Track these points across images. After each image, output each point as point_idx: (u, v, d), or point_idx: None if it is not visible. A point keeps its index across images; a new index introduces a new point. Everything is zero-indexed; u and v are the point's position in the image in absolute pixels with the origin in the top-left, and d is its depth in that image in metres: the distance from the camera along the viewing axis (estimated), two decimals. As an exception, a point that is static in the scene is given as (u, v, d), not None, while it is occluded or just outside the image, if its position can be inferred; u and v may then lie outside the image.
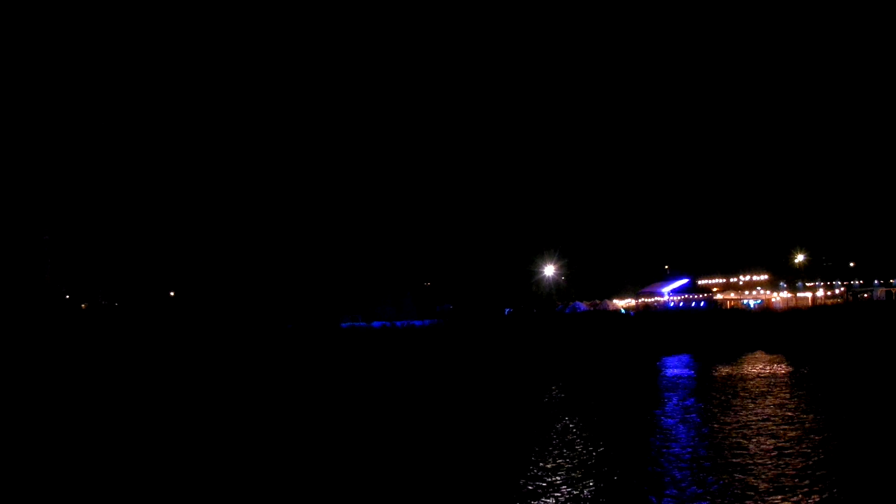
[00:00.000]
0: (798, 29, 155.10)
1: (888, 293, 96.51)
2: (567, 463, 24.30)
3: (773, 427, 29.01)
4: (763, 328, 72.62)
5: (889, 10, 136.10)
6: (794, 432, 27.88)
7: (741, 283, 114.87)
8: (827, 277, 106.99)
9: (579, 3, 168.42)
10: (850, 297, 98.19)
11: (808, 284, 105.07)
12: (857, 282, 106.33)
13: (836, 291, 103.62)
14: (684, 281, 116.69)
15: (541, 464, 24.25)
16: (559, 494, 20.73)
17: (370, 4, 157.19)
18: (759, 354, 60.81)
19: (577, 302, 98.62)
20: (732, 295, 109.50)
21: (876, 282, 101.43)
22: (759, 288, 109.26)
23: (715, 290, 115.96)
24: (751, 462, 23.41)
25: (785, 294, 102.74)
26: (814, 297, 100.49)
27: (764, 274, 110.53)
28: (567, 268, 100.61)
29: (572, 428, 30.50)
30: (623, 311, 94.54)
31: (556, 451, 26.04)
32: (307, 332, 66.55)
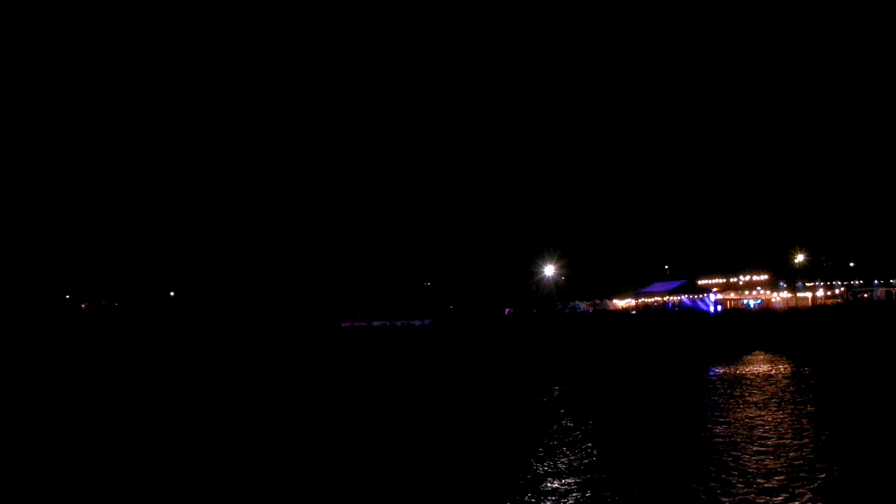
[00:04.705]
0: (798, 29, 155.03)
1: (888, 293, 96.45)
2: (567, 462, 24.29)
3: (775, 427, 29.00)
4: (763, 328, 72.60)
5: (889, 10, 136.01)
6: (798, 433, 27.86)
7: (741, 283, 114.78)
8: (827, 277, 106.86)
9: (579, 4, 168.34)
10: (850, 297, 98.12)
11: (808, 284, 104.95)
12: (857, 282, 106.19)
13: (836, 291, 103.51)
14: (684, 281, 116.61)
15: (541, 462, 24.26)
16: (559, 492, 20.74)
17: (370, 4, 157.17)
18: (759, 355, 60.79)
19: (577, 302, 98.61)
20: (732, 295, 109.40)
21: (876, 282, 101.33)
22: (759, 288, 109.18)
23: (715, 290, 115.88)
24: (750, 460, 23.42)
25: (785, 294, 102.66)
26: (814, 297, 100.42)
27: (764, 274, 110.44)
28: (567, 268, 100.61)
29: (573, 428, 30.49)
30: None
31: (556, 451, 26.03)
32: (307, 332, 66.57)
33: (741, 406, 34.41)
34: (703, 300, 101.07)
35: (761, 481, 21.12)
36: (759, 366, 52.39)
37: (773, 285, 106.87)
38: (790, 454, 24.30)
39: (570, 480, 22.07)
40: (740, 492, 20.19)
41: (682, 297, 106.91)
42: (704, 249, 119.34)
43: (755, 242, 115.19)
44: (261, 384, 46.31)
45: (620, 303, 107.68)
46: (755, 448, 25.35)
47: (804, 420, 30.43)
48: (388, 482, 22.64)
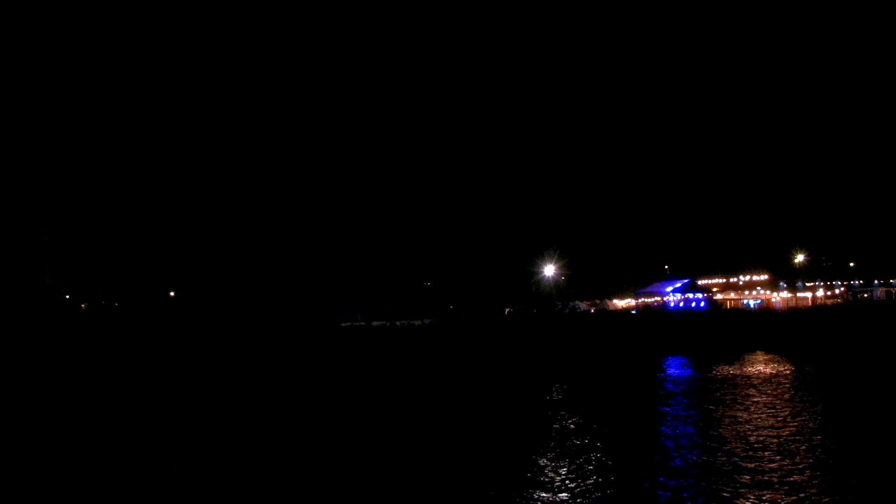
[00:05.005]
0: (798, 29, 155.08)
1: (888, 293, 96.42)
2: (570, 463, 24.25)
3: (773, 429, 28.96)
4: (763, 328, 72.53)
5: (889, 11, 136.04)
6: (803, 433, 27.82)
7: (741, 283, 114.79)
8: (827, 277, 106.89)
9: (579, 4, 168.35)
10: (850, 297, 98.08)
11: (808, 284, 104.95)
12: (857, 282, 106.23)
13: (836, 291, 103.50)
14: (684, 281, 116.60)
15: (543, 463, 24.22)
16: (560, 490, 20.70)
17: (371, 5, 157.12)
18: (759, 355, 60.74)
19: (577, 302, 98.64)
20: (732, 295, 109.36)
21: (876, 282, 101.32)
22: (759, 288, 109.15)
23: (715, 290, 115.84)
24: (757, 461, 23.37)
25: (785, 294, 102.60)
26: (814, 297, 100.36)
27: (764, 274, 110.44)
28: (567, 268, 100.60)
29: (574, 427, 30.45)
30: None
31: (558, 451, 25.99)
32: (307, 332, 66.56)
33: (744, 406, 34.35)
34: (698, 300, 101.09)
35: (769, 482, 21.08)
36: (760, 366, 52.36)
37: (773, 285, 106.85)
38: (798, 455, 24.26)
39: (573, 482, 22.02)
40: (750, 493, 20.15)
41: (682, 296, 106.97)
42: (704, 249, 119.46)
43: (755, 242, 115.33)
44: (261, 384, 46.29)
45: (620, 303, 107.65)
46: (761, 449, 25.30)
47: (809, 420, 30.37)
48: (390, 482, 22.60)
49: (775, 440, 26.57)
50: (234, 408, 37.56)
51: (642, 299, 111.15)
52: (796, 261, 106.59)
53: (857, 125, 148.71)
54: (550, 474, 22.94)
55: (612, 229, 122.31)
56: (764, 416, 31.66)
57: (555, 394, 41.41)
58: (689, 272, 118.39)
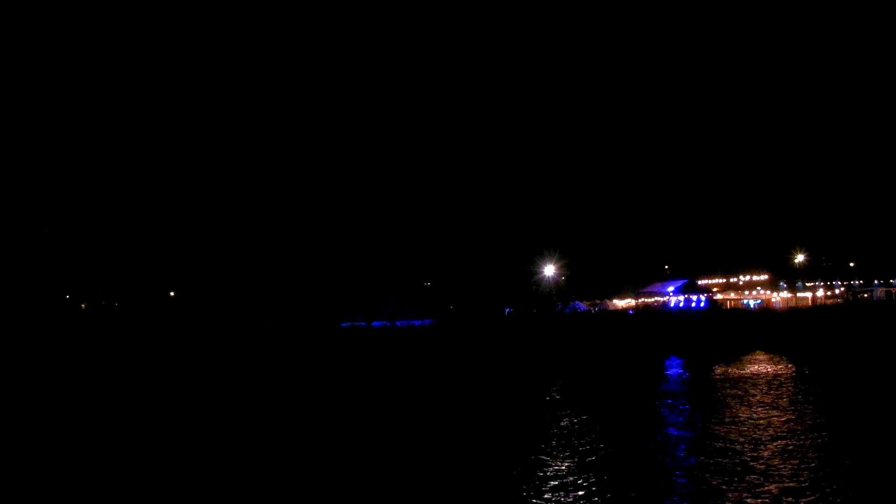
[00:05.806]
0: (798, 29, 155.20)
1: (888, 293, 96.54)
2: (570, 464, 24.25)
3: (775, 428, 28.97)
4: (763, 328, 72.58)
5: (889, 10, 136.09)
6: (798, 434, 27.82)
7: (741, 283, 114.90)
8: (827, 277, 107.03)
9: (579, 3, 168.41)
10: (850, 297, 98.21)
11: (808, 284, 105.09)
12: (857, 282, 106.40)
13: (836, 291, 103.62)
14: (684, 281, 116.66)
15: (543, 463, 24.22)
16: (562, 493, 20.70)
17: (370, 4, 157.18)
18: (759, 355, 60.76)
19: (577, 302, 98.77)
20: (732, 295, 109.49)
21: (876, 282, 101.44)
22: (759, 288, 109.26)
23: (715, 290, 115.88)
24: (751, 459, 23.38)
25: (785, 294, 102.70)
26: (814, 297, 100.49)
27: (764, 274, 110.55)
28: (567, 268, 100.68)
29: (574, 427, 30.44)
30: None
31: (558, 452, 25.99)
32: (307, 333, 66.51)
33: (746, 406, 34.35)
34: (698, 300, 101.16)
35: (771, 481, 21.08)
36: (760, 366, 52.38)
37: (773, 285, 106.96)
38: (800, 455, 24.25)
39: (574, 483, 22.01)
40: (752, 492, 20.15)
41: (682, 296, 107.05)
42: (704, 249, 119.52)
43: (755, 242, 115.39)
44: (261, 385, 46.28)
45: (620, 303, 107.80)
46: (765, 449, 25.29)
47: (811, 420, 30.38)
48: (390, 483, 22.60)
49: (777, 439, 26.55)
50: (234, 409, 37.55)
51: (642, 299, 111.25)
52: (796, 261, 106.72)
53: (856, 125, 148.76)
54: (549, 471, 22.92)
55: (612, 230, 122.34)
56: (765, 415, 31.65)
57: (555, 393, 41.41)
58: (689, 272, 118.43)
